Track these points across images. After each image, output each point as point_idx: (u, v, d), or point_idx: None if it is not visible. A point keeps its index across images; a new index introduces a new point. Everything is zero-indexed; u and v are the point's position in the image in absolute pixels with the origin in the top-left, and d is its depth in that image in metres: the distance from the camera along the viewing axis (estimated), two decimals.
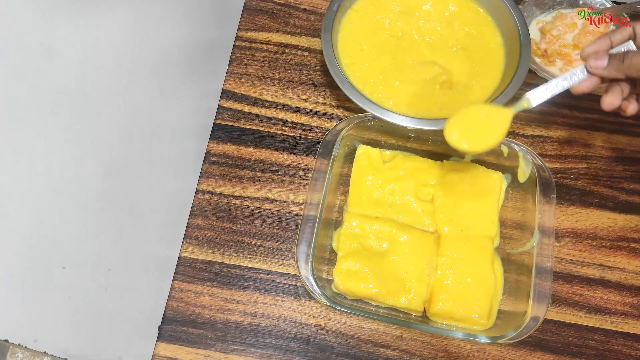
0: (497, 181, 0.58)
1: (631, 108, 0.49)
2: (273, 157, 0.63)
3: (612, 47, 0.48)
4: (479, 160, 0.59)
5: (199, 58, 0.57)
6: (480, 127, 0.51)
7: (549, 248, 0.52)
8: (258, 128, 0.64)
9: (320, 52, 0.66)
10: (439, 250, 0.55)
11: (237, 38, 0.69)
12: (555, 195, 0.54)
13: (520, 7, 0.64)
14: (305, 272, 0.51)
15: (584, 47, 0.48)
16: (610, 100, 0.48)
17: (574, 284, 0.57)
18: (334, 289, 0.54)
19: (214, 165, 0.62)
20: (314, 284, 0.51)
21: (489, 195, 0.57)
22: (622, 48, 0.48)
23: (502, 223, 0.57)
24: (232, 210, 0.60)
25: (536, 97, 0.49)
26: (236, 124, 0.64)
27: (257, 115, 0.65)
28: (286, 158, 0.63)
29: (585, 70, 0.48)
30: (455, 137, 0.50)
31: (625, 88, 0.48)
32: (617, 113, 0.60)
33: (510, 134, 0.64)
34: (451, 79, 0.62)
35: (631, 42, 0.48)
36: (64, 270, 0.36)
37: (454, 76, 0.63)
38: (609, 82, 0.49)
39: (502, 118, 0.50)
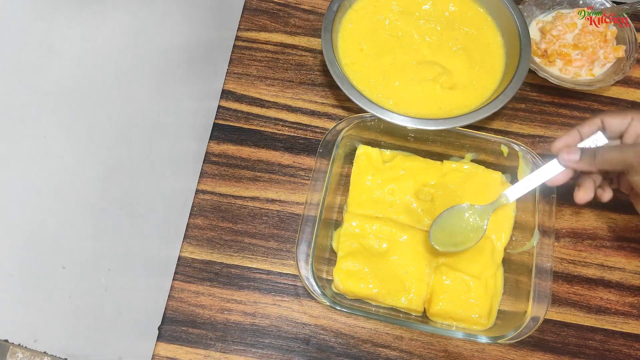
0: (497, 181, 0.58)
1: (606, 196, 0.50)
2: (273, 157, 0.63)
3: (582, 140, 0.49)
4: (479, 160, 0.59)
5: (199, 58, 0.57)
6: (460, 232, 0.53)
7: (549, 248, 0.52)
8: (258, 128, 0.64)
9: (320, 52, 0.66)
10: (439, 251, 0.55)
11: (237, 38, 0.69)
12: (555, 195, 0.54)
13: (520, 7, 0.64)
14: (305, 272, 0.51)
15: (554, 141, 0.50)
16: (584, 196, 0.49)
17: (574, 284, 0.57)
18: (334, 289, 0.54)
19: (214, 165, 0.62)
20: (314, 284, 0.51)
21: (489, 195, 0.57)
22: (592, 140, 0.48)
23: None
24: (232, 210, 0.60)
25: (513, 193, 0.53)
26: (236, 124, 0.64)
27: (257, 115, 0.65)
28: (286, 158, 0.63)
29: (558, 163, 0.50)
30: (439, 246, 0.53)
31: (597, 178, 0.50)
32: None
33: (510, 134, 0.64)
34: (451, 79, 0.62)
35: (600, 134, 0.48)
36: (64, 270, 0.36)
37: (454, 76, 0.63)
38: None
39: (481, 219, 0.53)
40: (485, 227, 0.53)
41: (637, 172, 0.44)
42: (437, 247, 0.52)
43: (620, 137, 0.48)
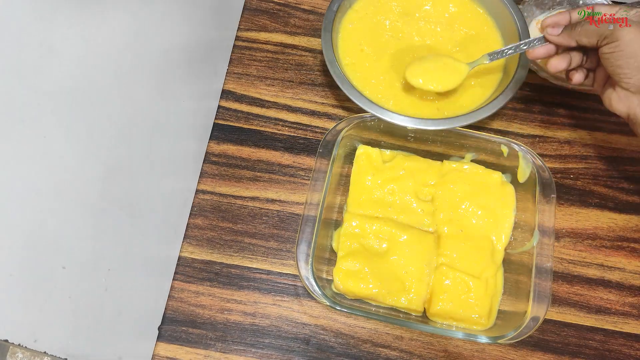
0: (497, 181, 0.58)
1: (576, 77, 0.54)
2: (273, 157, 0.63)
3: (570, 22, 0.52)
4: (479, 160, 0.59)
5: (199, 58, 0.57)
6: (438, 71, 0.59)
7: (549, 248, 0.52)
8: (258, 128, 0.64)
9: (320, 52, 0.66)
10: (438, 250, 0.55)
11: (237, 38, 0.69)
12: (555, 196, 0.54)
13: (520, 7, 0.64)
14: (305, 272, 0.51)
15: (545, 18, 0.54)
16: (557, 62, 0.53)
17: (574, 284, 0.57)
18: (334, 289, 0.54)
19: (214, 165, 0.62)
20: (314, 284, 0.51)
21: (489, 195, 0.57)
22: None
23: None
24: (232, 210, 0.60)
25: (493, 55, 0.58)
26: (236, 124, 0.64)
27: (257, 115, 0.65)
28: (286, 158, 0.63)
29: (542, 39, 0.54)
30: (414, 75, 0.59)
31: (575, 58, 0.53)
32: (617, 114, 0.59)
33: (510, 133, 0.64)
34: None
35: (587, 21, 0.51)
36: (64, 270, 0.36)
37: None
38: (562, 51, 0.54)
39: (459, 69, 0.59)
40: (464, 75, 0.58)
41: (606, 41, 0.49)
42: (418, 80, 0.57)
43: None
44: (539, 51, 0.54)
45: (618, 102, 0.51)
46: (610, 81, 0.52)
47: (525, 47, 0.55)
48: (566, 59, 0.53)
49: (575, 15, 0.53)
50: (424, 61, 0.60)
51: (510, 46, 0.57)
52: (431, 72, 0.59)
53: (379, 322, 0.55)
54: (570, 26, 0.52)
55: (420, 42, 0.65)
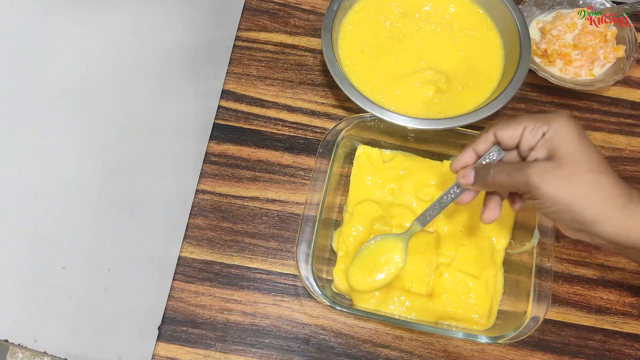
0: None
1: (517, 205, 0.46)
2: (273, 157, 0.63)
3: (479, 158, 0.45)
4: None
5: (199, 58, 0.57)
6: (377, 265, 0.52)
7: (549, 248, 0.52)
8: (258, 128, 0.64)
9: (320, 52, 0.66)
10: (438, 250, 0.55)
11: (237, 38, 0.69)
12: None
13: (520, 7, 0.64)
14: (305, 272, 0.51)
15: (453, 162, 0.46)
16: (490, 216, 0.46)
17: (574, 284, 0.57)
18: (334, 289, 0.54)
19: (214, 165, 0.62)
20: (314, 284, 0.51)
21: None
22: (490, 155, 0.44)
23: None
24: (232, 210, 0.60)
25: (423, 220, 0.50)
26: (236, 124, 0.64)
27: (257, 115, 0.65)
28: (286, 158, 0.63)
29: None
30: (357, 280, 0.51)
31: (504, 193, 0.46)
32: (617, 113, 0.60)
33: None
34: (451, 80, 0.62)
35: (496, 148, 0.44)
36: (64, 270, 0.36)
37: (454, 77, 0.63)
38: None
39: (397, 246, 0.52)
40: (404, 256, 0.51)
41: (527, 196, 0.40)
42: (358, 288, 0.51)
43: (517, 148, 0.43)
44: (464, 198, 0.47)
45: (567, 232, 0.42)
46: None
47: (448, 199, 0.48)
48: (496, 205, 0.46)
49: (481, 148, 0.44)
50: (360, 258, 0.53)
51: (432, 205, 0.50)
52: (371, 269, 0.52)
53: (379, 322, 0.55)
54: (482, 174, 0.43)
55: (420, 43, 0.65)
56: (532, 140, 0.41)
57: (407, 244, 0.52)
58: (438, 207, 0.49)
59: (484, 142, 0.44)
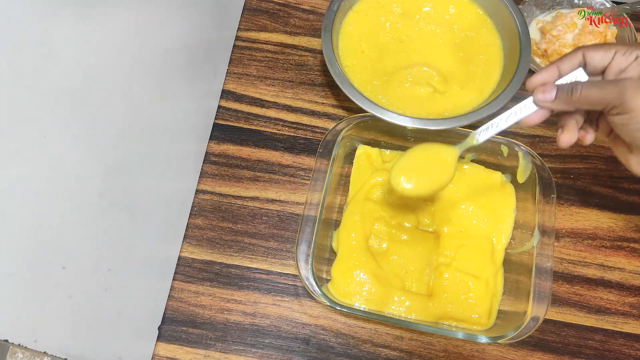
0: (497, 181, 0.58)
1: (588, 138, 0.46)
2: (273, 157, 0.63)
3: (560, 77, 0.44)
4: (479, 160, 0.59)
5: (199, 58, 0.57)
6: (426, 169, 0.49)
7: (549, 248, 0.52)
8: (258, 128, 0.64)
9: (320, 52, 0.66)
10: (438, 250, 0.55)
11: (237, 38, 0.69)
12: (555, 195, 0.54)
13: (520, 7, 0.64)
14: (305, 272, 0.51)
15: (530, 78, 0.44)
16: (568, 138, 0.45)
17: (574, 284, 0.57)
18: (329, 288, 0.54)
19: (214, 165, 0.62)
20: (314, 284, 0.51)
21: (489, 195, 0.57)
22: (572, 77, 0.43)
23: None
24: (232, 210, 0.60)
25: (483, 134, 0.48)
26: (236, 124, 0.64)
27: (257, 115, 0.65)
28: (286, 158, 0.63)
29: (532, 101, 0.45)
30: (400, 181, 0.48)
31: (579, 119, 0.45)
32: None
33: (510, 134, 0.64)
34: (451, 81, 0.62)
35: (581, 70, 0.43)
36: (64, 270, 0.36)
37: (454, 78, 0.63)
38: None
39: (448, 157, 0.49)
40: (454, 170, 0.48)
41: (617, 111, 0.40)
42: (404, 186, 0.48)
43: (602, 73, 0.43)
44: (532, 119, 0.45)
45: (638, 166, 0.44)
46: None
47: (516, 118, 0.46)
48: (574, 128, 0.44)
49: (566, 67, 0.44)
50: (406, 159, 0.50)
51: (496, 119, 0.47)
52: (417, 171, 0.49)
53: (379, 322, 0.55)
54: (564, 90, 0.42)
55: (420, 43, 0.65)
56: (624, 62, 0.41)
57: (457, 157, 0.49)
58: (504, 122, 0.46)
59: (570, 61, 0.44)
